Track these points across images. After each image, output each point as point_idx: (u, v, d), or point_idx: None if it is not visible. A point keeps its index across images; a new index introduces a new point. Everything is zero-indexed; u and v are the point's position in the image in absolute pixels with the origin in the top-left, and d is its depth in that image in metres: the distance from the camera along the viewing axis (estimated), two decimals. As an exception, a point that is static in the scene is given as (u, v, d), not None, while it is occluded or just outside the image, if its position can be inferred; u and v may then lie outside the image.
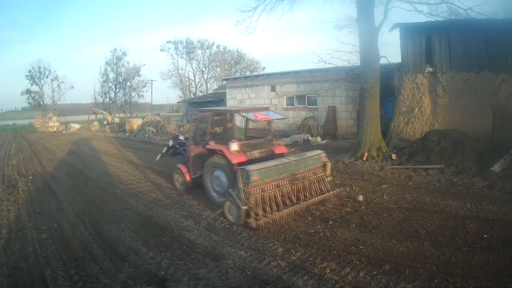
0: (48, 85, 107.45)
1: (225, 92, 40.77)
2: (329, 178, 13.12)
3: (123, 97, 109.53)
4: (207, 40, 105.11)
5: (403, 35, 20.89)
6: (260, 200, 10.93)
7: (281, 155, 13.34)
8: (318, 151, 13.36)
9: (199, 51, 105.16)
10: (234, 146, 12.62)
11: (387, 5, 18.50)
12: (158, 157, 17.78)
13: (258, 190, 10.87)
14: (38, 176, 21.19)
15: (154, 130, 42.37)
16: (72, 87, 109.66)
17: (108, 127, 58.76)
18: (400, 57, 21.04)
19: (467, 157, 15.95)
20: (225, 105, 38.59)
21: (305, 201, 11.76)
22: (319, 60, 18.86)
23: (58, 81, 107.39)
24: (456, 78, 19.41)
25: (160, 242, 10.18)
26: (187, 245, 9.80)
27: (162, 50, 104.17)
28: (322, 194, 12.37)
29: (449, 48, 19.73)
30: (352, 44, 18.86)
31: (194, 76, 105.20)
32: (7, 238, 11.34)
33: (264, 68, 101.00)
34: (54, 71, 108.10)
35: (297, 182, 11.94)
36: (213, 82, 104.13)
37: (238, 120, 13.86)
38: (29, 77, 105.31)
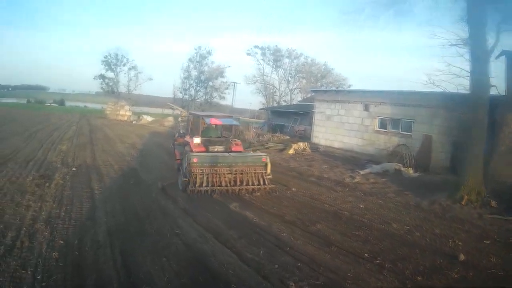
0: (125, 73, 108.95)
1: (311, 104, 38.94)
2: (269, 176, 16.56)
3: (204, 96, 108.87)
4: (295, 50, 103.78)
5: (509, 65, 18.16)
6: (198, 177, 15.19)
7: (238, 152, 17.50)
8: (260, 154, 18.71)
9: (286, 60, 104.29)
10: (197, 140, 17.26)
11: (498, 27, 16.49)
12: (171, 144, 22.40)
13: (198, 170, 15.24)
14: (83, 169, 19.37)
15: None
16: (151, 79, 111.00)
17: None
18: (503, 88, 18.35)
19: None
20: (312, 119, 36.81)
21: (239, 186, 15.75)
22: (427, 81, 18.22)
23: (136, 70, 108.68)
24: None
25: (207, 303, 7.14)
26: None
27: (248, 54, 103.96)
28: (256, 186, 16.06)
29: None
30: (460, 68, 17.45)
31: (279, 84, 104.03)
32: (8, 246, 9.03)
33: (350, 86, 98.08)
34: (133, 60, 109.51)
35: (235, 172, 15.88)
36: (297, 93, 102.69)
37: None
38: (105, 63, 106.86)
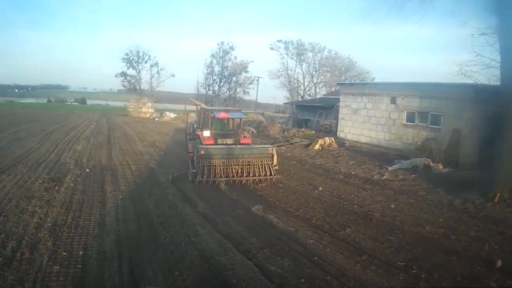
0: (147, 70, 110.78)
1: (336, 98, 38.32)
2: (276, 167, 17.77)
3: (228, 92, 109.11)
4: (318, 43, 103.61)
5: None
6: (206, 168, 16.38)
7: (245, 144, 18.40)
8: (267, 145, 19.95)
9: (310, 54, 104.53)
10: (206, 133, 18.11)
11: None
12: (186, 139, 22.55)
13: (206, 162, 16.42)
14: (97, 170, 18.90)
15: (255, 132, 39.12)
16: (173, 75, 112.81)
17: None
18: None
19: None
20: (338, 113, 36.15)
21: (246, 177, 16.83)
22: (458, 72, 16.61)
23: (158, 67, 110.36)
24: None
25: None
26: None
27: (271, 48, 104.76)
28: (263, 176, 17.05)
29: None
30: (489, 58, 16.27)
31: (304, 78, 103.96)
32: (8, 257, 8.45)
33: (373, 79, 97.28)
34: (154, 57, 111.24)
35: (242, 164, 16.91)
36: (322, 87, 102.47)
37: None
38: (126, 60, 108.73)
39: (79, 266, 8.34)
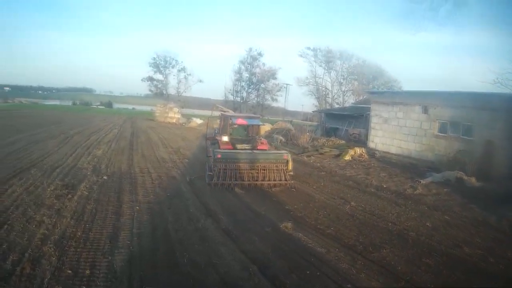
0: (174, 75, 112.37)
1: (365, 107, 38.20)
2: (291, 173, 18.23)
3: (256, 99, 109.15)
4: (346, 50, 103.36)
5: None
6: (222, 171, 17.09)
7: (262, 150, 19.19)
8: (282, 151, 20.54)
9: (338, 62, 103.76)
10: (225, 138, 19.46)
11: None
12: (210, 144, 23.27)
13: (222, 165, 17.09)
14: (116, 177, 18.16)
15: (283, 140, 38.43)
16: (201, 81, 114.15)
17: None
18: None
19: None
20: (369, 122, 36.15)
21: (262, 181, 17.48)
22: (494, 81, 16.54)
23: (185, 72, 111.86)
24: None
25: None
26: None
27: (300, 55, 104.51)
28: (278, 181, 17.74)
29: None
30: None
31: (332, 86, 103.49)
32: (7, 272, 7.91)
33: (401, 87, 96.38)
34: (182, 62, 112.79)
35: (257, 168, 17.54)
36: (350, 95, 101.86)
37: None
38: (153, 65, 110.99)
39: (83, 287, 7.69)
